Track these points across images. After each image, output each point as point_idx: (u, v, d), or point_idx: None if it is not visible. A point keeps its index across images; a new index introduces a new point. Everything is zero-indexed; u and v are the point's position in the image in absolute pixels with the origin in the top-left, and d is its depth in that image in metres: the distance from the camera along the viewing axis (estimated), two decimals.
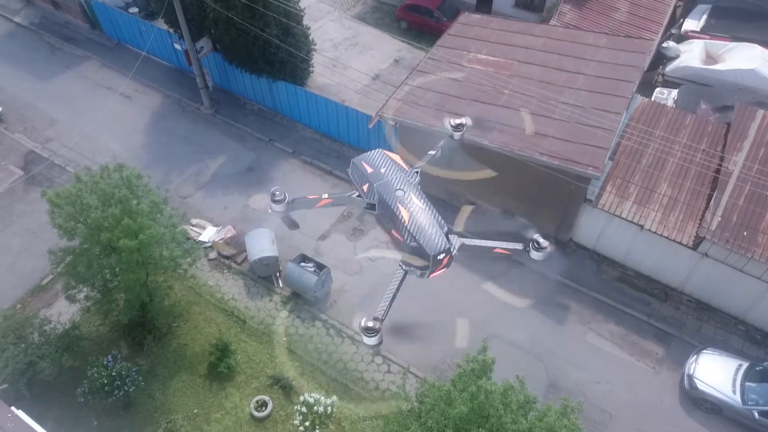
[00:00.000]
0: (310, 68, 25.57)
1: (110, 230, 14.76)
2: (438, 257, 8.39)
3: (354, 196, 9.38)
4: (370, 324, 7.97)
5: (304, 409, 16.27)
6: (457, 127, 10.08)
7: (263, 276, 20.23)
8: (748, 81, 23.60)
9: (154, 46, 26.95)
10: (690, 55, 25.19)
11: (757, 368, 17.31)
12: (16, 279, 19.90)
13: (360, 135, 23.56)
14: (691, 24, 27.31)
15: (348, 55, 28.21)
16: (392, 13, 31.28)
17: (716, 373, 17.32)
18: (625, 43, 22.58)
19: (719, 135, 20.23)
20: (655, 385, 17.97)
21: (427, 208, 8.66)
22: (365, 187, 9.02)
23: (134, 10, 29.14)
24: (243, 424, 16.90)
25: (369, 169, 9.07)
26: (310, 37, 24.69)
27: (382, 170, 9.01)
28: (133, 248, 14.69)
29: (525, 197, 20.32)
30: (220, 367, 17.32)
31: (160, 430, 16.59)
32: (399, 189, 8.78)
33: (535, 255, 9.35)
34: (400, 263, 8.78)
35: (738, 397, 16.79)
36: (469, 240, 9.00)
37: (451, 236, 8.66)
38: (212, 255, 20.85)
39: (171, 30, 25.38)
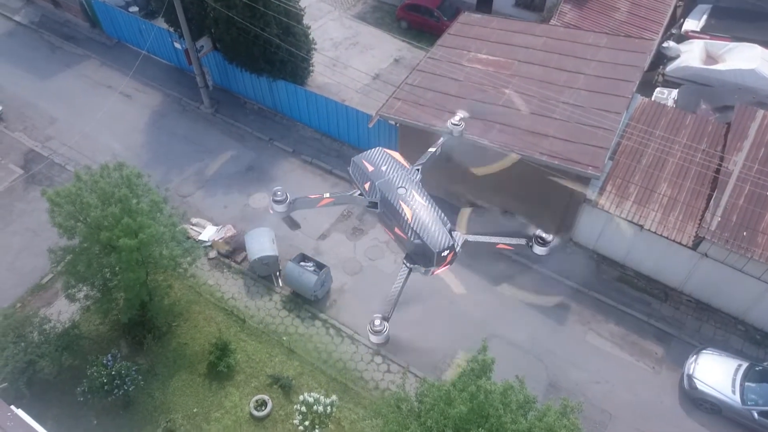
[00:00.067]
0: (311, 67, 25.56)
1: (110, 229, 14.75)
2: (442, 254, 8.39)
3: (356, 194, 9.37)
4: (377, 322, 7.98)
5: (303, 409, 16.28)
6: (457, 124, 10.07)
7: (263, 275, 20.23)
8: (749, 81, 23.59)
9: (154, 45, 26.95)
10: (690, 55, 25.19)
11: (757, 368, 17.31)
12: (16, 278, 19.90)
13: (360, 134, 23.55)
14: (691, 24, 27.30)
15: (348, 54, 28.19)
16: (392, 13, 31.27)
17: (716, 373, 17.32)
18: (625, 42, 22.58)
19: (719, 135, 20.23)
20: (654, 385, 17.97)
21: (430, 205, 8.66)
22: (367, 186, 9.01)
23: (134, 9, 29.14)
24: (242, 423, 16.90)
25: (370, 168, 9.06)
26: (311, 37, 24.68)
27: (383, 168, 9.00)
28: (132, 247, 14.69)
29: (525, 197, 20.32)
30: (219, 366, 17.32)
31: (159, 429, 16.59)
32: (401, 187, 8.77)
33: (538, 250, 9.32)
34: (404, 261, 8.78)
35: (737, 397, 16.79)
36: (472, 236, 8.99)
37: (453, 233, 8.65)
38: (212, 254, 20.85)
39: (171, 29, 25.36)
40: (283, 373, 17.73)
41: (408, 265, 8.75)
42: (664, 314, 19.58)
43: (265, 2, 21.64)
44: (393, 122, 21.17)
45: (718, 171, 19.06)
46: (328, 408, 16.26)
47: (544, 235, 9.33)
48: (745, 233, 17.62)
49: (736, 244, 17.47)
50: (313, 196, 9.10)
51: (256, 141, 25.00)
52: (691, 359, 17.86)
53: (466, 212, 9.73)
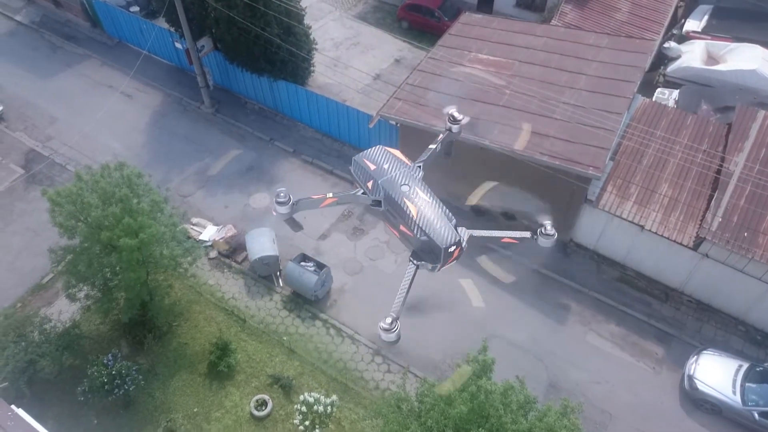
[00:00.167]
0: (311, 68, 25.57)
1: (111, 229, 14.76)
2: (449, 250, 8.37)
3: (359, 194, 9.35)
4: (388, 320, 7.94)
5: (304, 409, 16.28)
6: (455, 120, 10.03)
7: (263, 275, 20.23)
8: (750, 82, 23.57)
9: (155, 45, 26.96)
10: (691, 56, 25.17)
11: (758, 369, 17.30)
12: (16, 277, 19.91)
13: (361, 134, 23.55)
14: (692, 24, 27.29)
15: (349, 54, 28.20)
16: (393, 13, 31.28)
17: (716, 373, 17.31)
18: (626, 43, 22.57)
19: (720, 135, 20.22)
20: (655, 386, 17.97)
21: (434, 201, 8.65)
22: (369, 184, 8.98)
23: (135, 8, 29.15)
24: (243, 423, 16.90)
25: (372, 166, 9.03)
26: (311, 37, 24.68)
27: (385, 166, 8.98)
28: (133, 247, 14.69)
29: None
30: (220, 366, 17.31)
31: (160, 429, 16.59)
32: (404, 184, 8.75)
33: (543, 242, 9.33)
34: (411, 258, 8.75)
35: (738, 398, 16.78)
36: (476, 231, 8.97)
37: (459, 228, 8.64)
38: (212, 254, 20.86)
39: (172, 29, 25.37)
40: (283, 373, 17.73)
41: (415, 262, 8.72)
42: (664, 315, 19.57)
43: (265, 2, 21.65)
44: (394, 122, 21.17)
45: (719, 172, 19.05)
46: (329, 408, 16.26)
47: (549, 227, 9.36)
48: (745, 234, 17.61)
49: (736, 244, 17.46)
50: (316, 197, 9.07)
51: (256, 141, 25.01)
52: (692, 360, 17.85)
53: (487, 185, 9.64)
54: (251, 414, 16.97)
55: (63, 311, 18.71)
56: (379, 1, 32.44)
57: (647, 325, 19.29)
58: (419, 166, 9.32)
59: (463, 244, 8.64)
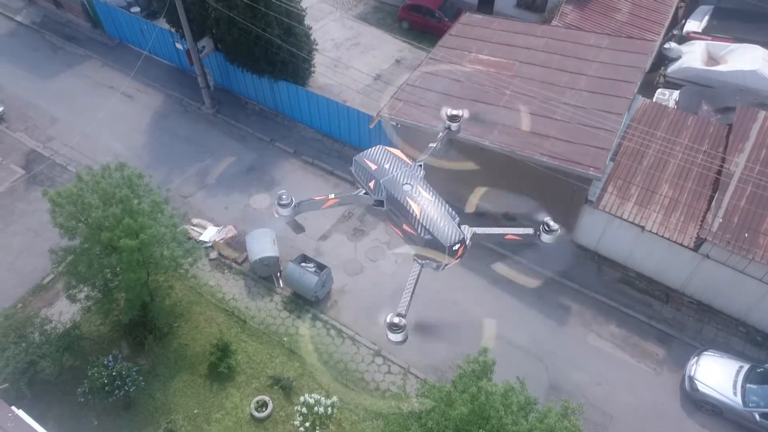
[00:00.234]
0: (312, 68, 25.56)
1: (111, 230, 14.75)
2: (453, 248, 8.36)
3: (361, 194, 9.33)
4: (396, 320, 7.89)
5: (304, 410, 16.25)
6: (453, 118, 10.02)
7: (264, 276, 20.23)
8: (750, 82, 23.57)
9: (155, 45, 26.96)
10: (692, 57, 25.17)
11: (758, 370, 17.28)
12: (17, 278, 19.91)
13: (361, 135, 23.54)
14: (693, 25, 27.28)
15: (349, 55, 28.19)
16: (394, 14, 31.29)
17: (717, 374, 17.30)
18: (626, 44, 22.57)
19: (721, 136, 20.21)
20: (655, 387, 17.95)
21: (437, 200, 8.63)
22: (371, 184, 8.97)
23: (136, 9, 29.15)
24: (243, 424, 16.89)
25: (373, 166, 9.02)
26: (312, 37, 24.68)
27: (387, 166, 8.97)
28: (133, 248, 14.68)
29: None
30: (220, 367, 17.31)
31: (160, 430, 16.57)
32: (406, 183, 8.74)
33: (546, 238, 9.30)
34: (415, 257, 8.73)
35: (739, 399, 16.76)
36: (480, 228, 8.95)
37: (462, 226, 8.63)
38: (213, 255, 20.85)
39: (173, 29, 25.37)
40: (283, 374, 17.72)
41: (419, 261, 8.70)
42: (665, 316, 19.55)
43: (266, 3, 21.65)
44: (394, 123, 21.15)
45: (719, 172, 19.04)
46: (329, 409, 16.24)
47: (551, 223, 9.33)
48: (746, 235, 17.60)
49: (737, 245, 17.45)
50: (318, 198, 9.05)
51: (257, 142, 25.01)
52: (693, 361, 17.83)
53: (479, 191, 9.63)
54: (252, 415, 16.96)
55: (63, 312, 18.71)
56: (379, 1, 32.44)
57: (648, 326, 19.28)
58: (420, 165, 9.31)
59: (468, 242, 8.63)
